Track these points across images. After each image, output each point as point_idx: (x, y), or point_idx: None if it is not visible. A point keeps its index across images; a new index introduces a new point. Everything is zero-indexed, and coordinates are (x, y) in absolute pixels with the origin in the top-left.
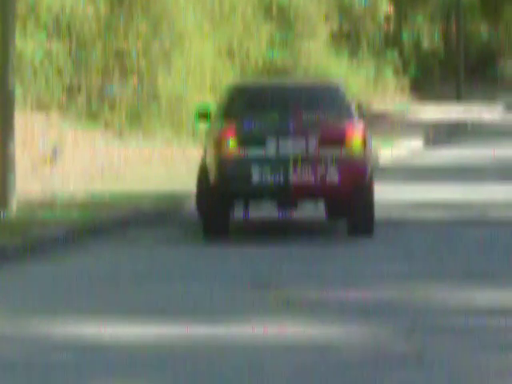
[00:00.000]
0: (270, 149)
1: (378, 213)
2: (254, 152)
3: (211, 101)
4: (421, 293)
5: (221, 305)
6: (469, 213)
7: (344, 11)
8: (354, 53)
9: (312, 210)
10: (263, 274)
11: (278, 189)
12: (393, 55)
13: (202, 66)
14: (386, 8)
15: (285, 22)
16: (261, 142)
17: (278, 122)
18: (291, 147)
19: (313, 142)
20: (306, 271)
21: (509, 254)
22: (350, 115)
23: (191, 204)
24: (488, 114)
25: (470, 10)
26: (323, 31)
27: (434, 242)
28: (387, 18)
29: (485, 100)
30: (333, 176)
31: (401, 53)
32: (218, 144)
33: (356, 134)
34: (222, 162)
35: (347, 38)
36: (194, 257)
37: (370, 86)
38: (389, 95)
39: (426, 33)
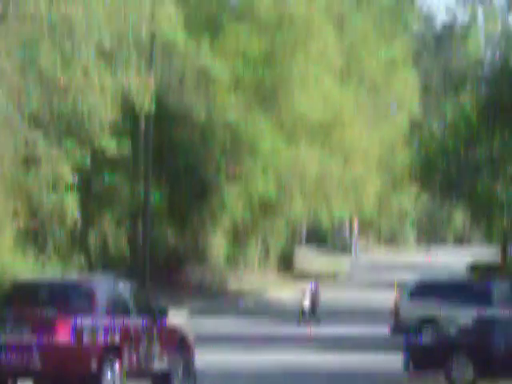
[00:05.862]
0: None
1: None
2: None
3: None
4: None
5: None
6: None
7: (32, 210)
8: (41, 252)
9: None
10: None
11: None
12: (79, 258)
13: None
14: (73, 211)
15: None
16: None
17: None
18: (9, 334)
19: (27, 331)
20: None
21: None
22: (85, 309)
23: None
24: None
25: (157, 215)
26: (10, 228)
27: None
28: (75, 221)
29: (171, 305)
30: (36, 361)
31: (87, 256)
32: None
33: (66, 327)
34: None
35: (34, 239)
36: None
37: None
38: None
39: (113, 236)
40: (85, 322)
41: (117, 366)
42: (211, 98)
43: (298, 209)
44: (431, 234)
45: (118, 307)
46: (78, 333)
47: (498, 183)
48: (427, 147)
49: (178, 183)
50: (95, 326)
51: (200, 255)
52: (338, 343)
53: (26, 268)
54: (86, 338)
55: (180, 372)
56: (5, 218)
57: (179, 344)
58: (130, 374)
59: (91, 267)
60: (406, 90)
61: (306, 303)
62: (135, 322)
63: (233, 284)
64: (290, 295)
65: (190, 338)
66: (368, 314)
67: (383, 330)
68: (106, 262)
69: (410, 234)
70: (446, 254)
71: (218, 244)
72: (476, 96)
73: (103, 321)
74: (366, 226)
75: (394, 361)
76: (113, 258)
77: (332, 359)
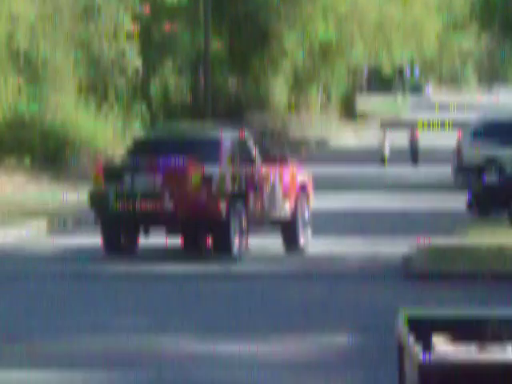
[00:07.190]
0: (126, 183)
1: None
2: (113, 186)
3: None
4: (166, 345)
5: None
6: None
7: (92, 62)
8: (102, 104)
9: None
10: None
11: (128, 216)
12: (141, 108)
13: None
14: (134, 60)
15: (33, 73)
16: (119, 177)
17: (134, 162)
18: (142, 182)
19: (159, 179)
20: (53, 324)
21: (252, 308)
22: (212, 158)
23: None
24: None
25: (218, 62)
26: (71, 82)
27: (178, 297)
28: (136, 71)
29: None
30: (167, 208)
31: (149, 106)
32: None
33: (196, 174)
34: (90, 194)
35: (95, 90)
36: None
37: (118, 138)
38: None
39: (175, 85)
40: (213, 169)
41: (243, 212)
42: None
43: (359, 52)
44: (492, 74)
45: (243, 156)
46: (207, 180)
47: None
48: None
49: (238, 30)
50: (223, 173)
51: (261, 102)
52: (404, 184)
53: (88, 121)
54: (214, 185)
55: (301, 220)
56: (66, 69)
57: (301, 192)
58: (255, 221)
59: (153, 116)
60: None
61: (387, 145)
62: (259, 170)
63: (295, 130)
64: (354, 141)
65: (310, 185)
66: (431, 154)
67: (446, 170)
68: (168, 111)
69: (471, 75)
70: (508, 94)
71: (279, 90)
72: None
73: (230, 169)
74: (426, 69)
75: (457, 200)
76: (174, 106)
77: (398, 199)
